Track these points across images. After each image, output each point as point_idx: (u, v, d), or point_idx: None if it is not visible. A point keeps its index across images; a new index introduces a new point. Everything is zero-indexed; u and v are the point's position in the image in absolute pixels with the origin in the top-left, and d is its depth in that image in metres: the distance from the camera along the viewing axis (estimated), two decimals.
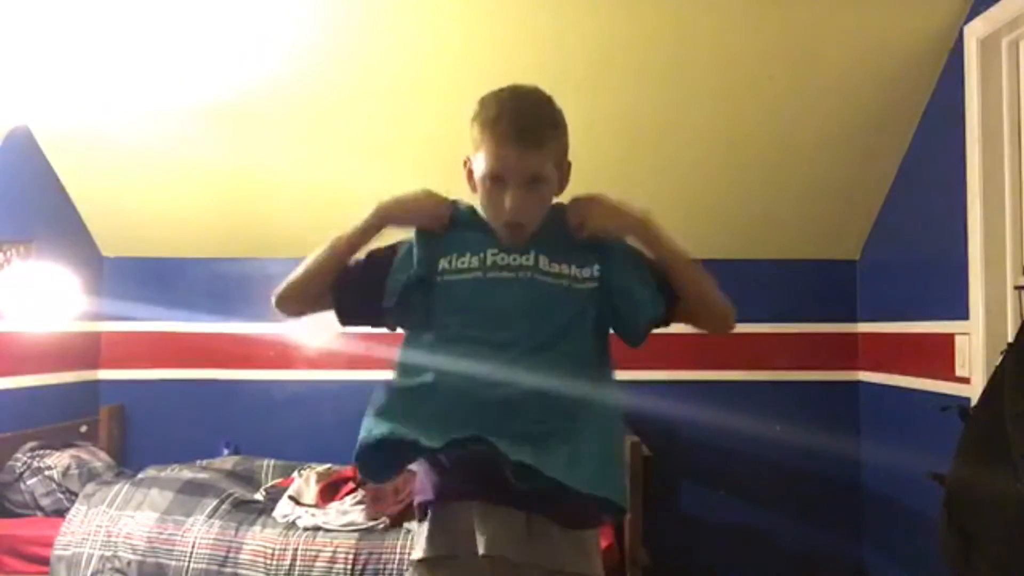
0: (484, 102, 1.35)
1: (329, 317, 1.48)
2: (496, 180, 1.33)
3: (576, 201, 1.40)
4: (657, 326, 1.40)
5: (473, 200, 1.42)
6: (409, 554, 1.45)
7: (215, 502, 2.72)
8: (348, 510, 2.71)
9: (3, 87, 2.83)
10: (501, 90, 1.35)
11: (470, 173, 1.39)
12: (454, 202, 1.44)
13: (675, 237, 1.40)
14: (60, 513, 2.78)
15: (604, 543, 2.52)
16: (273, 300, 1.47)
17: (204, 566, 2.54)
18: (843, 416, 3.31)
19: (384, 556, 2.48)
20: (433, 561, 1.36)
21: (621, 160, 2.96)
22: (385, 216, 1.41)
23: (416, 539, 1.42)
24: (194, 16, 2.58)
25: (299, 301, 1.48)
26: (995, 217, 2.35)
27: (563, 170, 1.40)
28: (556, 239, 1.38)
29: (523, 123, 1.31)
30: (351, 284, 1.44)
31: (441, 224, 1.40)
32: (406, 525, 2.58)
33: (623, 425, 1.48)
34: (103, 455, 3.16)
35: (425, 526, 1.39)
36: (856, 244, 3.31)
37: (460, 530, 1.33)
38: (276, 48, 2.70)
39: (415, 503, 1.44)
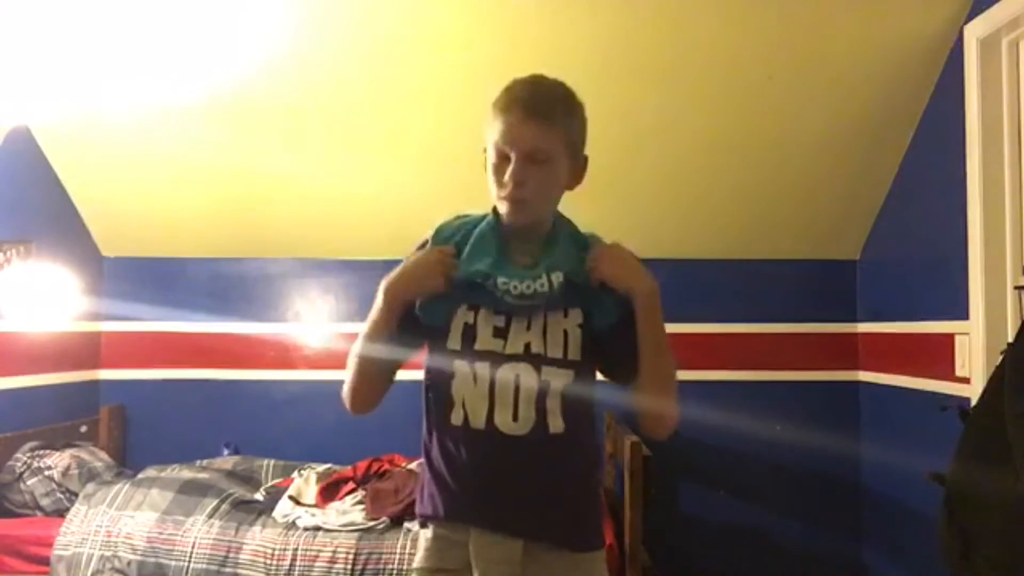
0: (505, 87, 1.34)
1: None
2: (502, 155, 1.31)
3: (600, 245, 1.38)
4: (599, 339, 1.35)
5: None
6: (411, 554, 1.47)
7: (215, 502, 2.72)
8: (348, 510, 2.71)
9: (3, 87, 2.83)
10: (524, 77, 1.35)
11: (486, 162, 1.37)
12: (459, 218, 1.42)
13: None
14: (60, 513, 2.78)
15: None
16: (349, 409, 1.46)
17: (204, 566, 2.54)
18: (843, 416, 3.31)
19: (384, 556, 2.48)
20: (431, 571, 1.38)
21: (621, 160, 2.96)
22: (391, 293, 1.35)
23: (418, 543, 1.43)
24: (194, 16, 2.58)
25: (370, 397, 1.46)
26: (995, 217, 2.35)
27: (577, 161, 1.37)
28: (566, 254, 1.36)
29: (535, 95, 1.31)
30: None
31: (448, 278, 1.34)
32: (406, 525, 2.58)
33: None
34: (103, 455, 3.16)
35: (426, 538, 1.40)
36: (856, 244, 3.32)
37: (458, 553, 1.34)
38: (277, 48, 2.70)
39: (416, 511, 1.44)
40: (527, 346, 1.33)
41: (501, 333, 1.34)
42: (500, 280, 1.31)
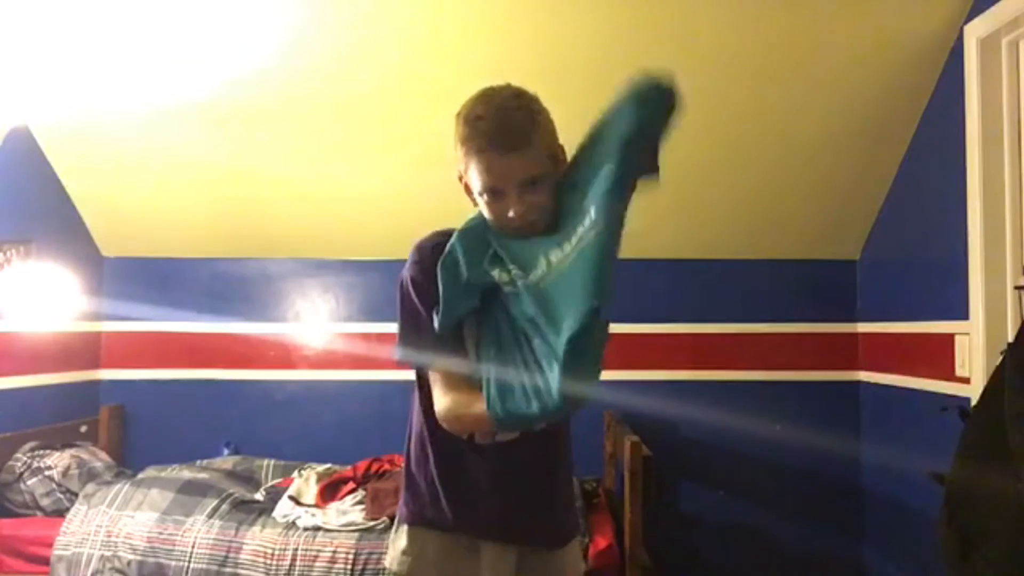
0: (459, 119, 1.31)
1: None
2: (494, 193, 1.30)
3: None
4: None
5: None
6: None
7: (215, 502, 2.72)
8: (348, 510, 2.71)
9: (3, 87, 2.83)
10: (473, 102, 1.31)
11: (467, 188, 1.36)
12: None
13: None
14: (60, 513, 2.78)
15: (604, 543, 2.52)
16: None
17: (204, 566, 2.54)
18: (843, 416, 3.31)
19: (384, 556, 2.48)
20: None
21: None
22: None
23: (402, 542, 1.45)
24: (194, 16, 2.58)
25: None
26: (995, 217, 2.35)
27: (558, 158, 1.37)
28: None
29: (503, 125, 1.27)
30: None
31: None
32: None
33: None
34: (103, 455, 3.16)
35: (424, 542, 1.43)
36: (856, 244, 3.32)
37: (465, 564, 1.40)
38: (276, 48, 2.70)
39: (414, 513, 1.45)
40: None
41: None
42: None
